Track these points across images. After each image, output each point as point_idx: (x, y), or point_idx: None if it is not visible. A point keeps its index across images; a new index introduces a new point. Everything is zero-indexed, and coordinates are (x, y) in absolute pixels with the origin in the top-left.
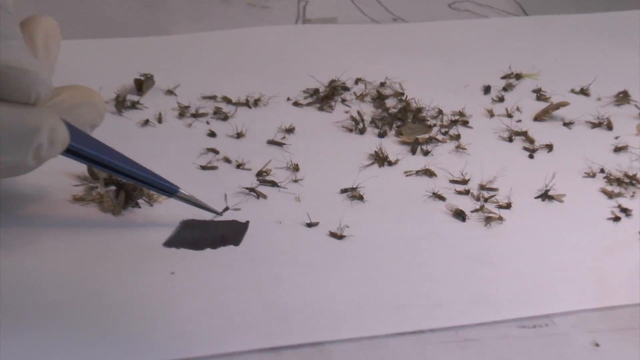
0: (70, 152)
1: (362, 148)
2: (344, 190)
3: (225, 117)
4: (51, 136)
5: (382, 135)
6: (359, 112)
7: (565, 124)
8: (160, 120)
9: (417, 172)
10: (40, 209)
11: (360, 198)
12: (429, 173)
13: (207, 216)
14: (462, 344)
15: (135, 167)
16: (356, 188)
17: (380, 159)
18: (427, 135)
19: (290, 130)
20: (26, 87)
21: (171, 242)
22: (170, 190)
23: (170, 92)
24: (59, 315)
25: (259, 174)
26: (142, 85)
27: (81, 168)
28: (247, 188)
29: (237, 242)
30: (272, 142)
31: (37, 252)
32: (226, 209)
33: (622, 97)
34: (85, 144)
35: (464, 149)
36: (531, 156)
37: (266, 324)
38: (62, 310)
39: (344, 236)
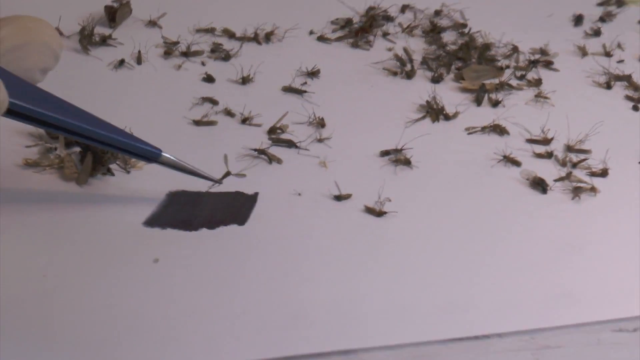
0: (13, 113)
1: (409, 97)
2: (384, 153)
3: (226, 57)
4: None
5: (436, 80)
6: (405, 50)
7: None
8: (139, 61)
9: (483, 129)
10: None
11: (407, 163)
12: (498, 130)
13: (202, 186)
14: (539, 353)
15: (103, 127)
16: (401, 150)
17: (434, 112)
18: (496, 80)
19: (313, 74)
20: None
21: (154, 221)
22: (151, 155)
23: (152, 24)
24: (6, 320)
25: (272, 130)
26: (115, 14)
27: None
28: (255, 149)
29: (242, 221)
30: (289, 90)
31: None
32: (226, 175)
33: None
34: (32, 100)
35: (546, 98)
36: (636, 107)
37: (279, 329)
38: (10, 313)
39: (384, 213)
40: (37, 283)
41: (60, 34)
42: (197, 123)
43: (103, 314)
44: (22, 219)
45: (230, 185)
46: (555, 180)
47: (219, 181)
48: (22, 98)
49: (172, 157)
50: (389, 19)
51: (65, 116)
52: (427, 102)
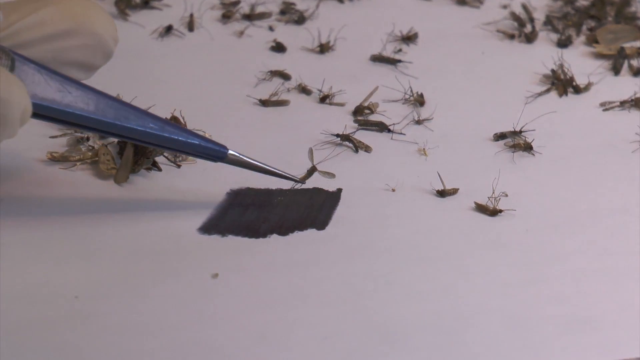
0: (40, 116)
1: (530, 65)
2: (499, 136)
3: (300, 19)
4: None
5: (564, 43)
6: (525, 7)
7: None
8: (191, 27)
9: (623, 104)
10: None
11: (527, 148)
12: None
13: (270, 183)
14: None
15: (152, 123)
16: (520, 132)
17: (561, 83)
18: (638, 43)
19: (409, 39)
20: None
21: (212, 227)
22: (215, 154)
23: None
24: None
25: (358, 111)
26: None
27: None
28: (338, 135)
29: (321, 225)
30: (379, 59)
31: None
32: (311, 172)
33: None
34: (65, 101)
35: None
36: None
37: (369, 355)
38: (39, 339)
39: (500, 211)
40: (68, 305)
41: None
42: (265, 103)
43: (151, 342)
44: (46, 229)
45: (308, 181)
46: None
47: (301, 181)
48: (54, 100)
49: (241, 156)
50: None
51: (105, 116)
52: (553, 71)
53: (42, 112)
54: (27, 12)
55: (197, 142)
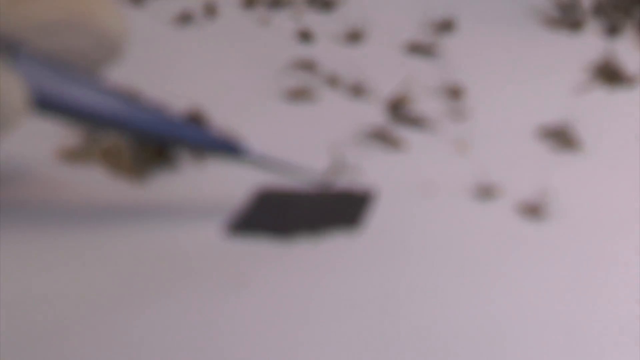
0: (44, 111)
1: (576, 55)
2: (545, 132)
3: (327, 4)
4: None
5: (613, 31)
6: None
7: None
8: (211, 13)
9: None
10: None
11: (574, 145)
12: None
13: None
14: None
15: (163, 120)
16: (567, 128)
17: (610, 74)
18: None
19: (446, 26)
20: None
21: (236, 229)
22: (232, 151)
23: None
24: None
25: (393, 105)
26: None
27: None
28: (370, 131)
29: (353, 227)
30: (414, 48)
31: None
32: (337, 172)
33: None
34: (70, 95)
35: None
36: None
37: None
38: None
39: (546, 214)
40: (74, 315)
41: None
42: (291, 96)
43: (169, 353)
44: (57, 230)
45: (337, 180)
46: None
47: (327, 184)
48: (53, 92)
49: (263, 156)
50: None
51: (116, 112)
52: (602, 61)
53: (45, 106)
54: (27, 5)
55: (214, 140)
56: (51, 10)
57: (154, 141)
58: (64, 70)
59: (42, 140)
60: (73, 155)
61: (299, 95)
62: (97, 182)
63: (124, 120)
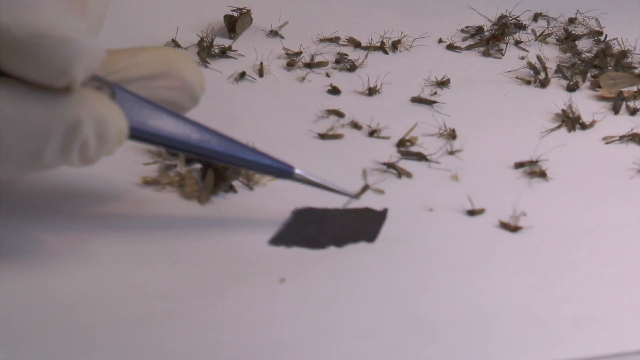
0: (134, 137)
1: (544, 106)
2: (519, 165)
3: (352, 67)
4: (99, 130)
5: (572, 88)
6: (539, 58)
7: None
8: (261, 73)
9: (622, 139)
10: (96, 199)
11: (542, 175)
12: (637, 139)
13: (328, 203)
14: None
15: (230, 145)
16: (536, 161)
17: (570, 121)
18: (634, 88)
19: (443, 84)
20: (65, 62)
21: (279, 239)
22: (283, 172)
23: (274, 34)
24: (121, 344)
25: (401, 143)
26: (235, 24)
27: None
28: (384, 163)
29: (371, 238)
30: (418, 100)
31: (91, 259)
32: (364, 190)
33: None
34: (156, 125)
35: None
36: None
37: (410, 348)
38: (128, 337)
39: (520, 228)
40: (158, 304)
41: (177, 45)
42: (323, 137)
43: (228, 336)
44: (140, 241)
45: (357, 202)
46: None
47: (356, 197)
48: (145, 124)
49: (305, 175)
50: (521, 27)
51: (192, 138)
52: (563, 110)
53: (137, 134)
54: (127, 55)
55: (269, 163)
56: (152, 64)
57: (226, 162)
58: (150, 105)
59: (130, 167)
60: (154, 181)
61: (330, 135)
62: (171, 202)
63: (198, 145)
